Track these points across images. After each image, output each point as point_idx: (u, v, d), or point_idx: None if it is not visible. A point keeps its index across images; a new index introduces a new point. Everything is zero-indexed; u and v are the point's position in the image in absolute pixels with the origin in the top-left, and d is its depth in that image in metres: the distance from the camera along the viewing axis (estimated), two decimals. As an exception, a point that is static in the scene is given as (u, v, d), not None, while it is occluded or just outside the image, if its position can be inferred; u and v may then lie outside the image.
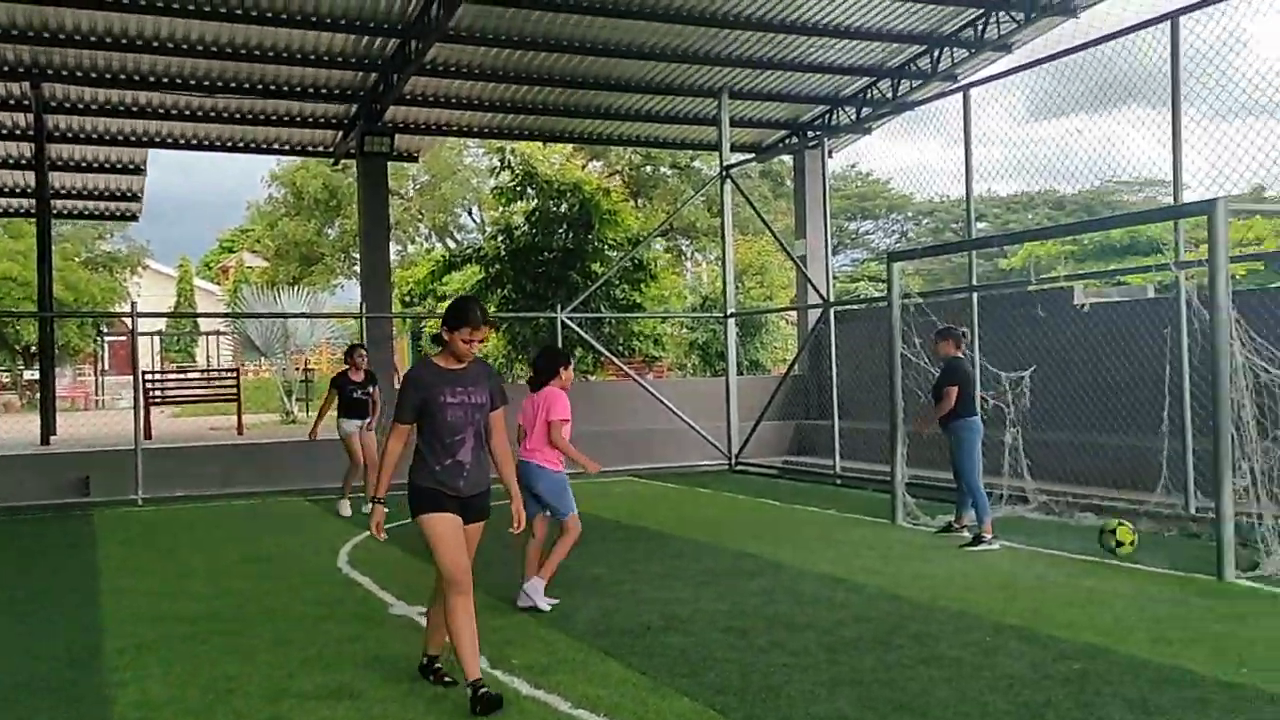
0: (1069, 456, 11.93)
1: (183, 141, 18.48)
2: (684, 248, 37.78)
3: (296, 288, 32.60)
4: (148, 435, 18.07)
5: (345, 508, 11.95)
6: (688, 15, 14.84)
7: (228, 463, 15.07)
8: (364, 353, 12.53)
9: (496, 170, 21.41)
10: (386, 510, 5.18)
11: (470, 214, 41.70)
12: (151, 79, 15.71)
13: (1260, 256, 17.07)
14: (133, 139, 18.21)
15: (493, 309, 20.41)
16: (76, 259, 37.90)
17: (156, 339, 35.33)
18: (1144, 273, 12.44)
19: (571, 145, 28.69)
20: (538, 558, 7.14)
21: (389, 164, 18.64)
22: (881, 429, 11.85)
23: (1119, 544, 8.16)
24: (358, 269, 22.17)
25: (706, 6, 14.71)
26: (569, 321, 16.79)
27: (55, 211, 20.85)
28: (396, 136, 17.80)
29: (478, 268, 20.98)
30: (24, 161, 19.45)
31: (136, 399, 14.19)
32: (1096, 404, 11.88)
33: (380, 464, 5.16)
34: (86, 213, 23.22)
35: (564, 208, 20.14)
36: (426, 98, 17.21)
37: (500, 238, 20.85)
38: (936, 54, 16.62)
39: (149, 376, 22.51)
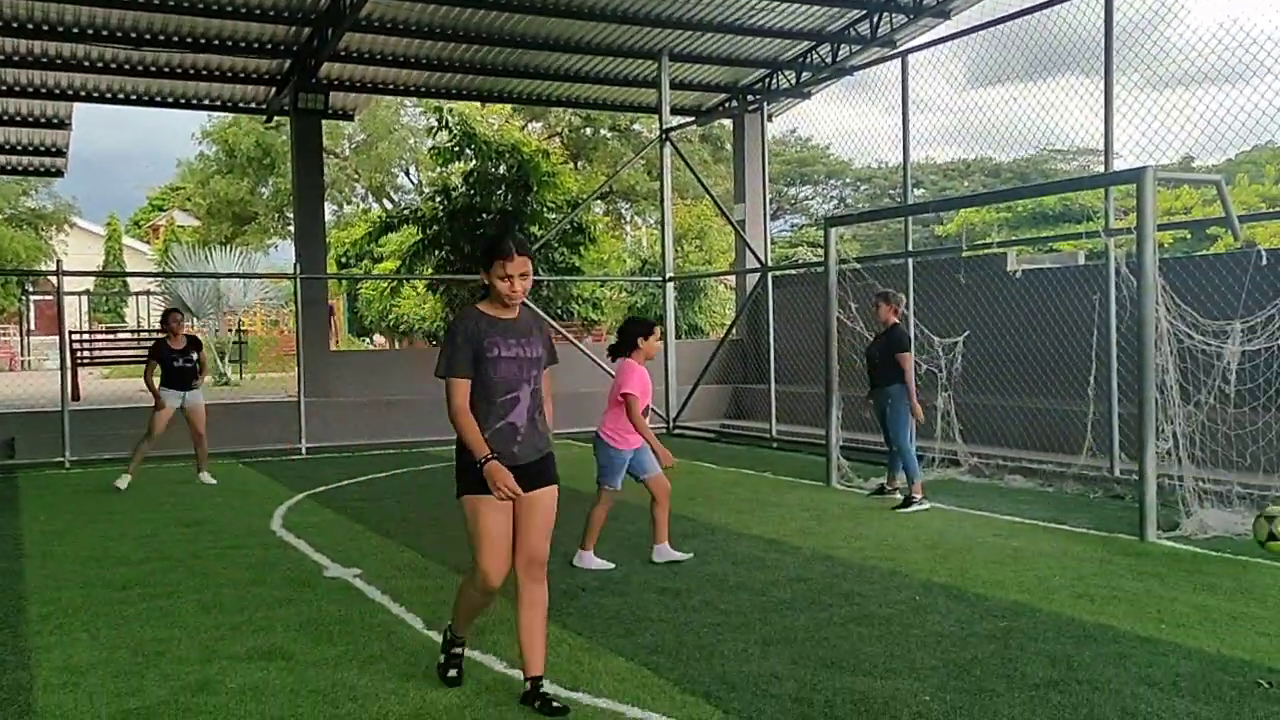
0: (999, 420, 12.16)
1: (109, 95, 17.92)
2: (624, 211, 37.68)
3: (229, 247, 32.02)
4: (75, 396, 17.69)
5: (124, 481, 11.03)
6: (628, -25, 14.69)
7: (158, 425, 14.77)
8: (179, 317, 11.48)
9: (434, 130, 21.04)
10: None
11: (408, 174, 41.17)
12: (75, 30, 15.19)
13: (1186, 224, 17.48)
14: (56, 92, 17.62)
15: (429, 271, 20.21)
16: (-1, 215, 36.84)
17: (84, 299, 34.47)
18: (1074, 240, 12.68)
19: (510, 106, 28.39)
20: (598, 527, 7.21)
21: (324, 122, 18.27)
22: (817, 393, 11.98)
23: (1273, 538, 6.72)
24: (292, 229, 21.78)
25: (647, -33, 14.57)
26: (507, 284, 16.65)
27: (-26, 166, 20.20)
28: (331, 94, 17.43)
29: (415, 229, 20.68)
30: (-60, 114, 18.78)
31: (63, 359, 13.87)
32: (1027, 369, 12.10)
33: (461, 424, 4.33)
34: (9, 167, 22.46)
35: (503, 169, 19.92)
36: (362, 54, 16.86)
37: (438, 199, 20.57)
38: (876, 19, 16.65)
39: (76, 337, 22.00)
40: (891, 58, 13.26)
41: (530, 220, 19.70)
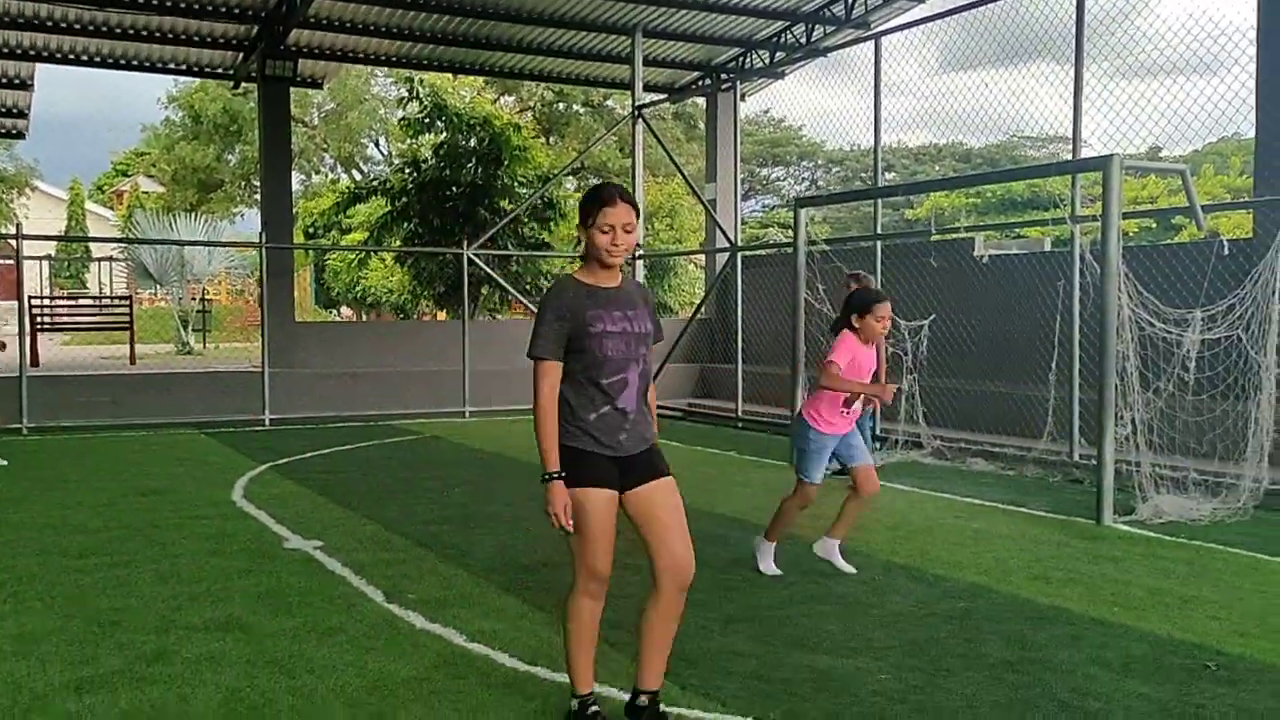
0: (963, 404, 12.25)
1: (73, 57, 17.59)
2: (595, 188, 37.50)
3: (194, 215, 31.58)
4: (34, 362, 17.44)
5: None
6: (604, -51, 14.59)
7: (119, 393, 14.63)
8: None
9: (405, 101, 20.86)
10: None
11: (377, 145, 40.80)
12: (38, -12, 14.92)
13: (1152, 213, 17.65)
14: (18, 52, 17.29)
15: (398, 243, 20.07)
16: (-43, 177, 36.15)
17: (45, 263, 33.89)
18: (1041, 226, 12.76)
19: (482, 79, 28.16)
20: (838, 518, 6.32)
21: (292, 90, 18.05)
22: (784, 373, 12.02)
23: None
24: (259, 198, 21.53)
25: (623, -59, 14.48)
26: (475, 258, 16.59)
27: (-67, 126, 19.79)
28: (300, 61, 17.22)
29: (384, 201, 20.53)
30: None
31: (21, 325, 13.65)
32: (991, 353, 12.20)
33: (541, 423, 3.74)
34: (-32, 127, 22.09)
35: (473, 142, 19.79)
36: (332, 22, 16.65)
37: (408, 170, 20.42)
38: (850, 0, 16.65)
39: (36, 302, 21.66)
40: (865, 39, 13.27)
41: (500, 195, 19.61)
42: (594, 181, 14.83)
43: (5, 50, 17.22)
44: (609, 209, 3.73)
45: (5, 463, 10.87)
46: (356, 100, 37.70)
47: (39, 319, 20.14)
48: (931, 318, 11.30)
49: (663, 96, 19.93)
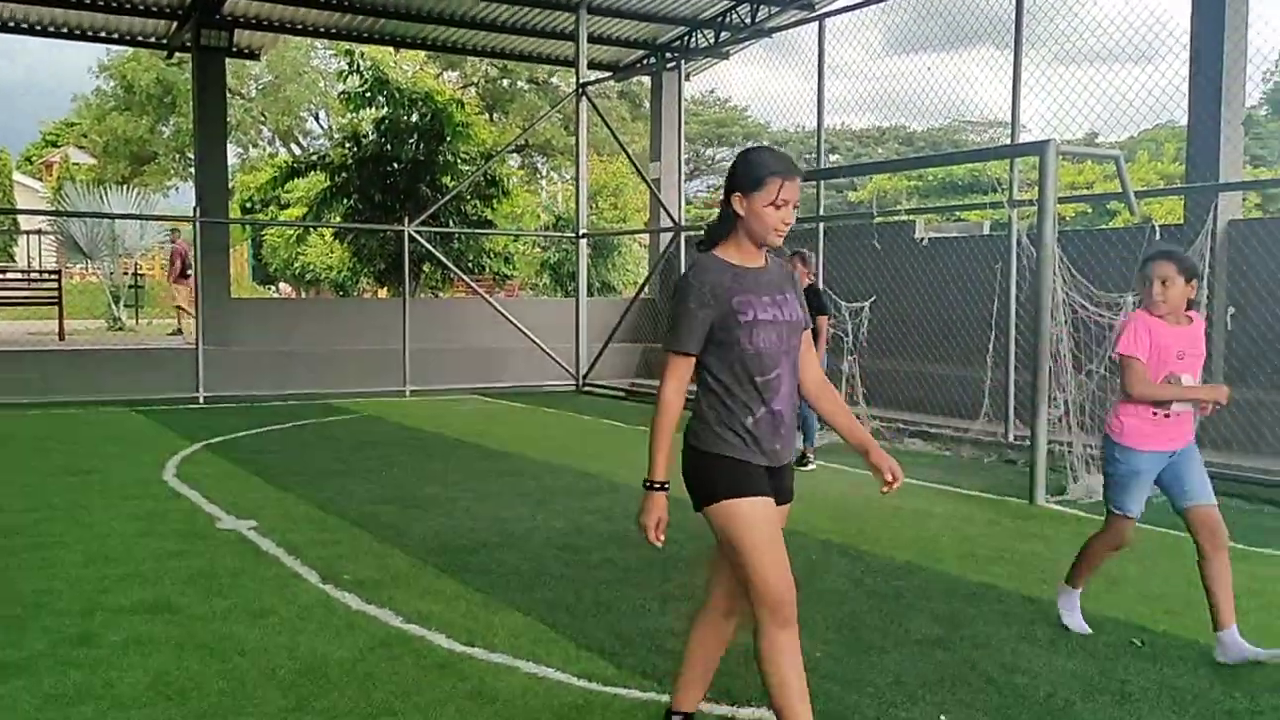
0: (901, 384, 12.40)
1: (-2, 23, 17.05)
2: (539, 166, 37.28)
3: (126, 187, 30.80)
4: (-42, 338, 16.97)
5: None
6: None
7: (48, 370, 14.28)
8: None
9: (345, 74, 20.47)
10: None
11: (317, 119, 40.09)
12: (-40, -49, 14.41)
13: (1087, 198, 17.94)
14: (-59, 17, 16.72)
15: (338, 219, 19.77)
16: (-123, 146, 34.93)
17: (-30, 236, 32.97)
18: (980, 209, 12.91)
19: (425, 53, 27.78)
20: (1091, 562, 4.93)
21: (228, 61, 17.65)
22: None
23: None
24: (193, 171, 21.08)
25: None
26: (417, 235, 16.41)
27: None
28: (236, 32, 16.83)
29: (323, 175, 20.19)
30: None
31: (-56, 299, 13.26)
32: (930, 335, 12.34)
33: (658, 423, 3.36)
34: (-113, 95, 21.32)
35: (415, 118, 19.51)
36: (270, -8, 16.30)
37: (348, 145, 20.10)
38: (796, -19, 16.64)
39: (-40, 276, 21.04)
40: (810, 20, 13.30)
41: (442, 171, 19.38)
42: (538, 160, 14.75)
43: (-73, 15, 16.64)
44: (789, 182, 3.19)
45: None
46: (295, 73, 37.00)
47: (-36, 293, 19.59)
48: (872, 299, 11.41)
49: (607, 75, 19.81)
